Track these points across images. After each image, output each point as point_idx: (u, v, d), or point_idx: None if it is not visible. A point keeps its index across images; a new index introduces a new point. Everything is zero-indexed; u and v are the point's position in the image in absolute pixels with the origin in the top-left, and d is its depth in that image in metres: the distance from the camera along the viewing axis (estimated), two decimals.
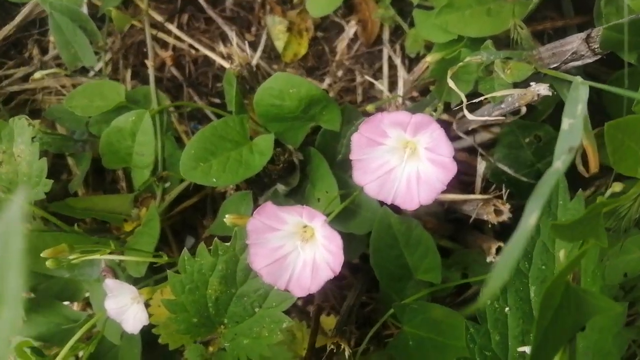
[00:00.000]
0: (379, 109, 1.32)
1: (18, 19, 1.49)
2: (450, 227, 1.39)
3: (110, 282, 0.95)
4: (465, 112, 0.84)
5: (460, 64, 0.90)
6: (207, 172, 1.06)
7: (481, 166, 1.26)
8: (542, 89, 0.97)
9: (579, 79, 0.71)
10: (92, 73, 1.45)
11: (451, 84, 0.85)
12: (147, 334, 1.13)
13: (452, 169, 0.77)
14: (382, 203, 1.20)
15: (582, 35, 1.02)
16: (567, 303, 0.64)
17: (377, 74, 1.49)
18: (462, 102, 1.21)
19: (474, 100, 0.95)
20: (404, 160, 0.83)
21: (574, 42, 1.02)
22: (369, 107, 1.07)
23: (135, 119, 1.14)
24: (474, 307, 0.81)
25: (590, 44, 0.99)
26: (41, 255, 0.89)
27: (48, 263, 0.90)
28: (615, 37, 0.91)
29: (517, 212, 1.28)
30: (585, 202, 1.01)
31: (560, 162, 0.55)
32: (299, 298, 0.94)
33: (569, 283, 0.67)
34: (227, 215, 0.88)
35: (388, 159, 0.84)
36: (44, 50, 1.52)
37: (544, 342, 0.60)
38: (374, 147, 0.83)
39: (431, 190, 0.79)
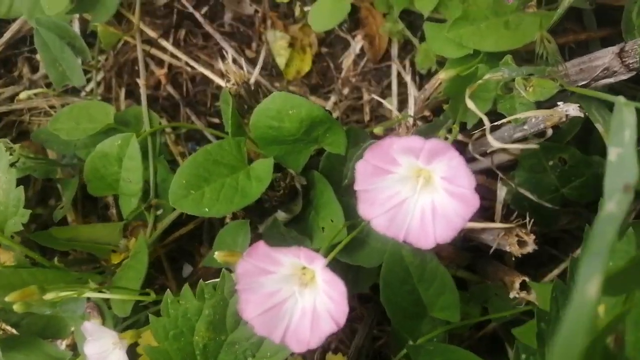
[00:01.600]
0: (388, 130, 1.22)
1: (7, 35, 1.42)
2: (468, 256, 1.28)
3: (88, 326, 0.86)
4: (489, 137, 0.73)
5: (480, 81, 0.80)
6: (198, 201, 0.97)
7: (502, 192, 1.15)
8: (571, 110, 0.87)
9: (621, 99, 0.60)
10: (83, 93, 1.37)
11: (470, 104, 0.75)
12: None
13: (474, 202, 0.66)
14: None
15: (614, 49, 0.91)
16: None
17: (385, 92, 1.39)
18: (479, 123, 1.11)
19: (495, 123, 0.85)
20: (417, 191, 0.73)
21: (605, 57, 0.92)
22: (377, 129, 0.97)
23: (121, 143, 1.04)
24: None
25: (624, 59, 0.89)
26: (6, 299, 0.79)
27: (15, 307, 0.80)
28: None
29: (542, 238, 1.17)
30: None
31: (614, 204, 0.44)
32: None
33: (607, 348, 0.56)
34: (216, 253, 0.78)
35: (399, 190, 0.74)
36: (34, 69, 1.45)
37: None
38: (383, 176, 0.72)
39: (449, 226, 0.69)
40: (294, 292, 0.71)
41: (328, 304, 0.68)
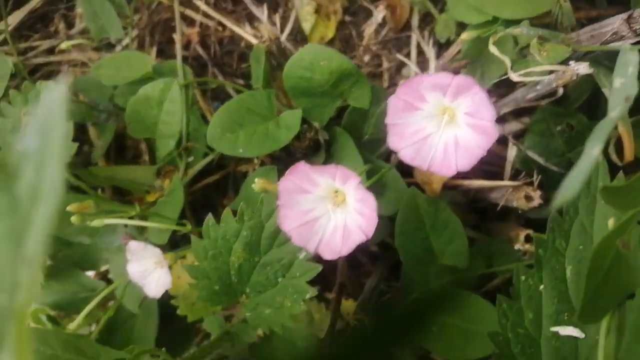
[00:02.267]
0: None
1: None
2: (475, 217, 1.36)
3: (134, 245, 0.93)
4: (511, 74, 0.81)
5: (501, 33, 0.88)
6: (234, 142, 1.04)
7: (512, 152, 1.23)
8: (582, 68, 0.94)
9: (627, 45, 0.68)
10: (118, 48, 1.44)
11: (493, 49, 0.83)
12: (165, 306, 1.11)
13: (494, 134, 0.74)
14: (408, 185, 1.18)
15: (623, 15, 0.99)
16: (616, 267, 0.61)
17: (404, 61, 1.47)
18: (495, 86, 1.19)
19: (514, 77, 0.92)
20: (442, 127, 0.80)
21: (614, 23, 1.00)
22: (402, 82, 1.04)
23: (163, 87, 1.12)
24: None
25: (632, 25, 0.97)
26: (67, 209, 0.87)
27: (73, 218, 0.88)
28: None
29: (546, 203, 1.25)
30: None
31: (616, 112, 0.53)
32: (317, 282, 0.91)
33: (618, 249, 0.64)
34: (256, 179, 0.86)
35: (425, 126, 0.81)
36: (69, 25, 1.52)
37: (592, 304, 0.57)
38: (411, 112, 0.80)
39: (470, 156, 0.77)
40: (328, 210, 0.79)
41: (359, 220, 0.76)
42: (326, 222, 0.79)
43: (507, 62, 0.81)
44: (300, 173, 0.76)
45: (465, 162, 0.77)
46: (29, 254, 0.33)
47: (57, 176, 0.31)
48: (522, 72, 0.93)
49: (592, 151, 0.43)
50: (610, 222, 0.68)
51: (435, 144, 0.80)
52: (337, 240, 0.77)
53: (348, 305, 1.29)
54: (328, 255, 0.76)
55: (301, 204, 0.78)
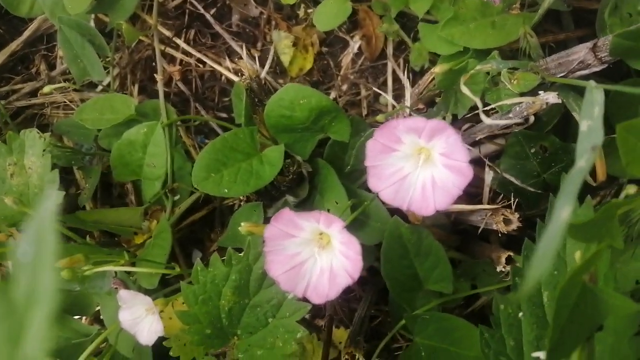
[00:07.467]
0: (389, 119, 1.33)
1: (26, 34, 1.50)
2: (457, 238, 1.39)
3: (124, 293, 0.95)
4: (482, 115, 0.85)
5: (472, 71, 0.92)
6: (218, 183, 1.07)
7: (489, 176, 1.26)
8: (550, 97, 0.98)
9: (592, 82, 0.72)
10: (99, 88, 1.46)
11: (464, 89, 0.86)
12: (158, 347, 1.12)
13: (469, 174, 0.78)
14: (392, 213, 1.21)
15: (589, 44, 1.04)
16: (583, 302, 0.65)
17: (381, 88, 1.50)
18: (469, 113, 1.23)
19: (485, 108, 0.96)
20: (419, 166, 0.84)
21: (581, 51, 1.04)
22: (379, 117, 1.08)
23: (146, 131, 1.14)
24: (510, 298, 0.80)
25: (597, 53, 1.01)
26: (55, 265, 0.88)
27: (63, 274, 0.89)
28: (626, 44, 0.93)
29: (525, 222, 1.28)
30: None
31: (583, 161, 0.56)
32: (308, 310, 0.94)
33: (584, 282, 0.67)
34: (242, 223, 0.88)
35: (402, 166, 0.84)
36: (51, 66, 1.53)
37: (561, 340, 0.60)
38: (388, 153, 0.83)
39: (447, 195, 0.80)
40: (314, 253, 0.81)
41: (344, 262, 0.79)
42: (312, 265, 0.81)
43: (479, 103, 0.84)
44: (285, 220, 0.79)
45: (443, 201, 0.80)
46: (27, 354, 0.35)
47: (51, 282, 0.34)
48: (494, 105, 0.96)
49: (562, 213, 0.46)
50: (577, 255, 0.71)
51: (414, 183, 0.83)
52: (324, 284, 0.79)
53: (339, 334, 1.31)
54: (316, 299, 0.79)
55: (287, 249, 0.81)
